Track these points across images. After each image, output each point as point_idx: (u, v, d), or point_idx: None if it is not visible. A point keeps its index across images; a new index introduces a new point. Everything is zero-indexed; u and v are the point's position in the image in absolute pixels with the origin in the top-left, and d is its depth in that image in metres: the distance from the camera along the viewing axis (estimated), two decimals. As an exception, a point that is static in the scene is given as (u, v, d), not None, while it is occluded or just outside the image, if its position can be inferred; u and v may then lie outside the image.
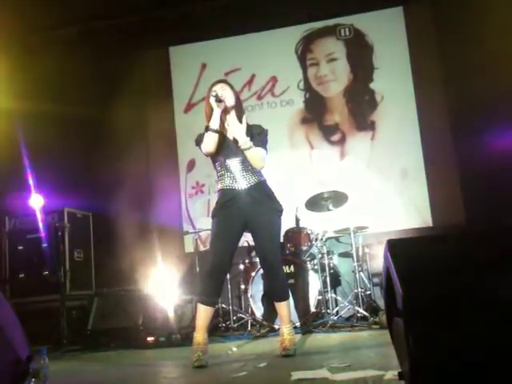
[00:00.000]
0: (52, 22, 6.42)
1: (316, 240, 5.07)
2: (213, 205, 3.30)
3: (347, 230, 5.07)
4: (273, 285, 3.30)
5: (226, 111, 3.19)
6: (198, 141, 3.25)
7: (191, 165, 6.46)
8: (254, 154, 3.15)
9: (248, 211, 3.13)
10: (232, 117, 3.23)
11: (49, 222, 5.44)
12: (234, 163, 3.18)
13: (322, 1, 6.23)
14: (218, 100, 3.09)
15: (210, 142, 3.12)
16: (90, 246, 5.92)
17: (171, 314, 4.79)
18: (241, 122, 3.23)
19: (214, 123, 3.10)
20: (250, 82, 6.44)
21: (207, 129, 3.13)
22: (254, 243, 3.32)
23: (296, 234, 5.17)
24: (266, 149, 3.23)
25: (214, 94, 3.10)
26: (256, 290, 4.88)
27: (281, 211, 3.23)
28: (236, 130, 3.14)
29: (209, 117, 3.16)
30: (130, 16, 6.55)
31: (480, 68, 5.49)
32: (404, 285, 1.33)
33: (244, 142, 3.11)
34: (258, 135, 3.22)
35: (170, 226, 6.15)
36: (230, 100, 3.19)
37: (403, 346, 1.34)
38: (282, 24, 6.44)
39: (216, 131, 3.10)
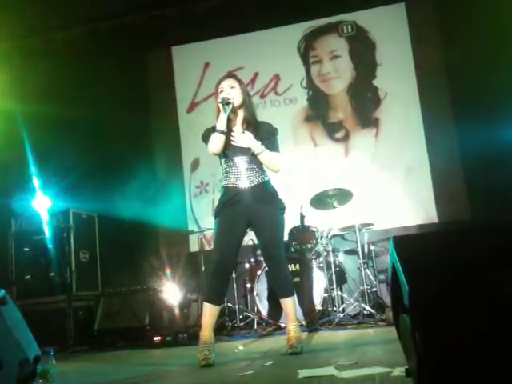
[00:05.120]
0: (53, 24, 6.43)
1: (321, 238, 5.07)
2: (217, 204, 3.30)
3: (352, 228, 5.06)
4: (277, 278, 3.27)
5: (234, 111, 3.18)
6: (205, 136, 3.23)
7: (195, 164, 6.46)
8: (268, 158, 3.15)
9: (251, 210, 3.13)
10: (238, 127, 3.21)
11: (54, 223, 5.46)
12: (240, 161, 3.16)
13: (323, -2, 6.23)
14: (226, 103, 3.07)
15: (217, 144, 3.11)
16: (96, 246, 5.93)
17: (177, 314, 4.81)
18: (252, 119, 3.22)
19: (221, 125, 3.08)
20: (253, 81, 6.44)
21: (214, 129, 3.12)
22: (258, 242, 3.31)
23: (301, 232, 5.17)
24: (279, 150, 3.22)
25: (219, 100, 3.08)
26: (262, 288, 4.89)
27: (283, 209, 3.23)
28: (243, 141, 3.10)
29: (218, 113, 3.13)
30: (131, 16, 6.56)
31: (483, 64, 5.47)
32: (410, 281, 1.33)
33: (255, 147, 3.09)
34: (268, 137, 3.19)
35: (174, 226, 6.15)
36: (238, 99, 3.17)
37: (410, 342, 1.34)
38: (285, 22, 6.42)
39: (223, 132, 3.09)
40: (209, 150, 3.18)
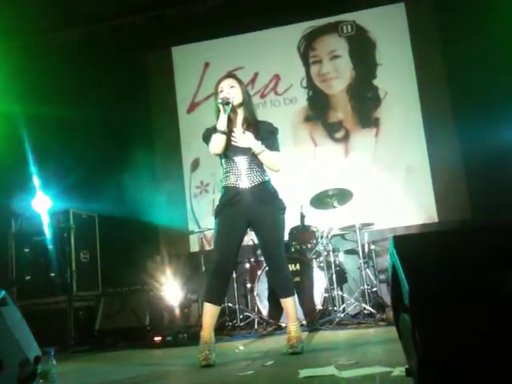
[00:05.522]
0: (53, 24, 6.43)
1: (321, 237, 5.07)
2: (217, 204, 3.30)
3: (353, 227, 5.07)
4: (277, 278, 3.27)
5: (234, 110, 3.19)
6: (205, 136, 3.23)
7: (195, 164, 6.47)
8: (269, 158, 3.15)
9: (251, 210, 3.13)
10: (238, 127, 3.21)
11: (54, 223, 5.46)
12: (241, 161, 3.16)
13: (323, -2, 6.23)
14: (226, 103, 3.07)
15: (218, 144, 3.11)
16: (96, 246, 5.94)
17: (178, 314, 4.81)
18: (252, 118, 3.22)
19: (222, 125, 3.08)
20: (253, 81, 6.44)
21: (215, 129, 3.12)
22: (258, 241, 3.32)
23: (301, 231, 5.17)
24: (279, 150, 3.21)
25: (219, 101, 3.08)
26: (262, 288, 4.89)
27: (283, 209, 3.23)
28: (244, 141, 3.11)
29: (218, 113, 3.13)
30: (131, 17, 6.56)
31: (483, 64, 5.47)
32: (410, 281, 1.33)
33: (255, 147, 3.10)
34: (268, 136, 3.19)
35: (175, 226, 6.16)
36: (237, 98, 3.17)
37: (410, 342, 1.34)
38: (284, 22, 6.42)
39: (224, 133, 3.09)
40: (210, 151, 3.18)
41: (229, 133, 3.12)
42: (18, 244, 5.56)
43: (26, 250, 5.52)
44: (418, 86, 6.09)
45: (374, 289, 5.02)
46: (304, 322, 4.56)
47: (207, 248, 5.74)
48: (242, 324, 5.05)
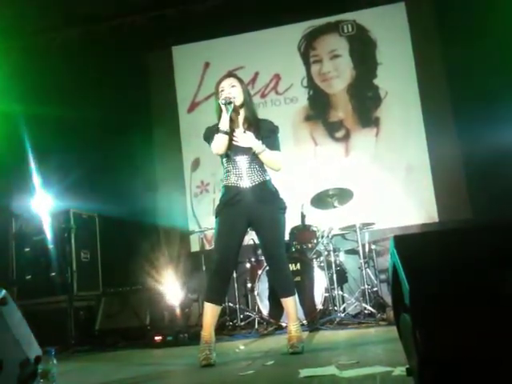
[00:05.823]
0: (53, 24, 6.43)
1: (322, 237, 5.07)
2: (218, 204, 3.29)
3: (353, 227, 5.06)
4: (278, 278, 3.27)
5: (236, 110, 3.19)
6: (207, 136, 3.23)
7: (196, 164, 6.47)
8: (269, 158, 3.15)
9: (251, 209, 3.13)
10: (239, 127, 3.21)
11: (55, 223, 5.46)
12: (241, 160, 3.16)
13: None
14: (228, 103, 3.07)
15: (220, 144, 3.10)
16: (97, 246, 5.94)
17: (178, 313, 4.81)
18: (253, 118, 3.23)
19: (224, 125, 3.08)
20: (253, 80, 6.44)
21: (216, 128, 3.12)
22: (259, 241, 3.32)
23: (302, 231, 5.17)
24: (279, 149, 3.21)
25: (222, 101, 3.08)
26: (262, 288, 4.89)
27: (284, 208, 3.23)
28: (244, 141, 3.11)
29: (219, 112, 3.13)
30: (131, 16, 6.56)
31: (483, 64, 5.47)
32: (411, 280, 1.32)
33: (256, 146, 3.09)
34: (269, 135, 3.19)
35: (175, 226, 6.16)
36: (239, 98, 3.17)
37: (411, 341, 1.34)
38: (285, 21, 6.43)
39: (226, 133, 3.08)
40: (212, 151, 3.17)
41: (230, 133, 3.12)
42: (18, 244, 5.57)
43: (27, 250, 5.52)
44: (418, 85, 6.09)
45: (375, 288, 5.02)
46: (304, 322, 4.56)
47: (208, 248, 5.74)
48: (242, 324, 5.05)
